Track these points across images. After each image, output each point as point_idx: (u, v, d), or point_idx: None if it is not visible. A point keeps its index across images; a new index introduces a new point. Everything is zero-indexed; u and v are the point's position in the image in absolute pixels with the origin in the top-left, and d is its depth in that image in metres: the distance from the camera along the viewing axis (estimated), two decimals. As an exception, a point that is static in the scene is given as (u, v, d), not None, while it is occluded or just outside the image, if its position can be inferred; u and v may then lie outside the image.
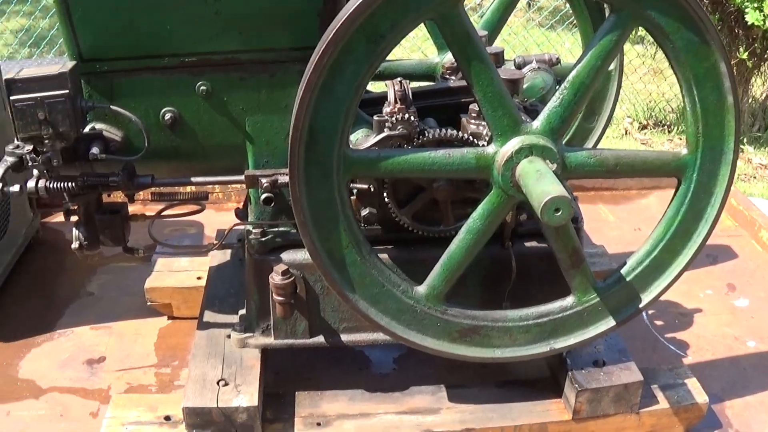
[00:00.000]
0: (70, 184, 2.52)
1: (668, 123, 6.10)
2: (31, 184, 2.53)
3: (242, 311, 2.88)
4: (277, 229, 2.66)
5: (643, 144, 5.84)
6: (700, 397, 2.81)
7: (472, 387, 2.84)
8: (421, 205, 2.55)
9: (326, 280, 2.40)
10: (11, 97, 2.33)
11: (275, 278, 2.57)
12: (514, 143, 2.28)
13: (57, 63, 2.65)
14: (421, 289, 2.47)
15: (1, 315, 3.53)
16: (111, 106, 2.45)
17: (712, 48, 2.25)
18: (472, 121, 2.53)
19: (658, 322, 3.52)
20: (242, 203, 3.06)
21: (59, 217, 4.22)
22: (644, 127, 6.11)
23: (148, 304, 3.45)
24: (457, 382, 2.86)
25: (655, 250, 2.54)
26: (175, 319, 3.48)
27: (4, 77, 2.35)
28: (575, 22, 7.24)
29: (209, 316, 2.95)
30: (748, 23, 5.48)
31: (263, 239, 2.64)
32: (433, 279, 2.46)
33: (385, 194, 2.50)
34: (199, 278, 3.42)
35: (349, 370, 3.04)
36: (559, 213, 2.09)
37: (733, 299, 3.75)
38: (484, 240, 2.42)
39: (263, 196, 2.52)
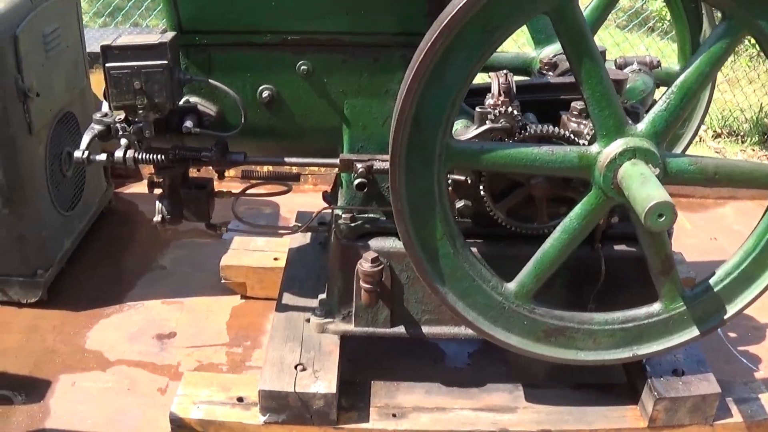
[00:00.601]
0: (159, 156, 2.51)
1: (742, 133, 6.00)
2: (119, 153, 2.53)
3: (322, 295, 2.87)
4: (366, 215, 2.63)
5: (717, 152, 5.75)
6: (774, 412, 2.76)
7: (548, 388, 2.80)
8: (516, 200, 2.51)
9: (417, 270, 2.37)
10: (107, 65, 2.30)
11: (364, 265, 2.54)
12: (618, 144, 2.23)
13: (153, 33, 2.65)
14: (511, 286, 2.43)
15: (72, 284, 3.53)
16: (209, 80, 2.42)
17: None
18: (573, 119, 2.49)
19: (732, 335, 3.45)
20: (330, 187, 3.03)
21: (133, 188, 4.33)
22: (718, 136, 6.01)
23: (222, 281, 3.43)
24: (532, 382, 2.83)
25: (744, 262, 2.50)
26: (248, 299, 3.46)
27: (101, 44, 2.31)
28: (652, 26, 7.18)
29: (288, 299, 2.92)
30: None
31: (352, 224, 2.61)
32: (524, 277, 2.42)
33: (481, 187, 2.46)
34: (275, 259, 3.40)
35: (424, 362, 3.01)
36: (663, 219, 2.05)
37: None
38: (579, 240, 2.38)
39: (356, 181, 2.49)
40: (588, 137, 2.40)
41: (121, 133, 2.49)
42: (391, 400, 2.71)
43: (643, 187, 2.13)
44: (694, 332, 2.54)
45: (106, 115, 2.64)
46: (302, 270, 3.09)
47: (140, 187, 4.34)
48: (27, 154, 3.22)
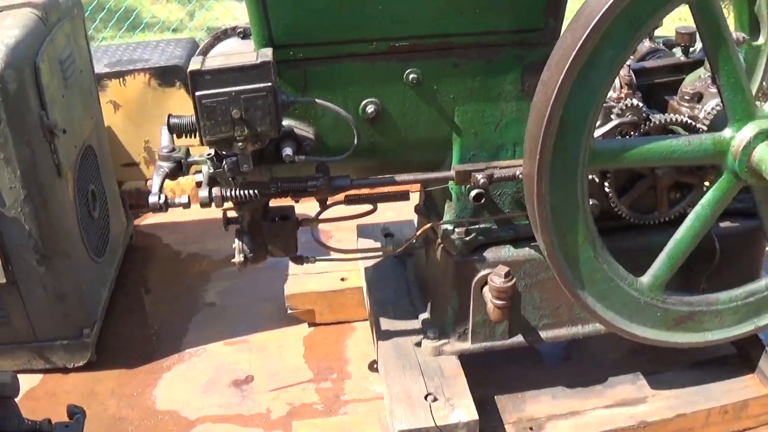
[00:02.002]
0: (254, 191, 2.30)
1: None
2: (203, 193, 2.30)
3: (424, 315, 2.74)
4: (478, 226, 2.52)
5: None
6: None
7: (667, 372, 2.77)
8: (639, 193, 2.45)
9: (559, 278, 2.27)
10: (197, 93, 2.01)
11: (496, 281, 2.43)
12: (751, 128, 2.19)
13: (244, 48, 2.39)
14: (645, 279, 2.37)
15: (118, 339, 3.25)
16: (316, 100, 2.20)
17: None
18: (686, 104, 2.44)
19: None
20: (420, 199, 2.86)
21: (149, 218, 4.03)
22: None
23: (289, 312, 3.20)
24: (649, 367, 2.79)
25: None
26: (317, 326, 3.25)
27: (189, 68, 2.03)
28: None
29: (387, 324, 2.77)
30: None
31: (467, 238, 2.49)
32: (658, 268, 2.36)
33: (606, 184, 2.39)
34: (342, 280, 3.22)
35: (527, 366, 2.90)
36: None
37: None
38: (710, 226, 2.34)
39: (474, 192, 2.37)
40: (706, 122, 2.36)
41: (212, 171, 2.27)
42: (522, 413, 2.62)
43: None
44: (808, 297, 2.55)
45: (173, 150, 2.43)
46: (389, 291, 2.94)
47: (158, 217, 4.04)
48: (58, 201, 2.89)
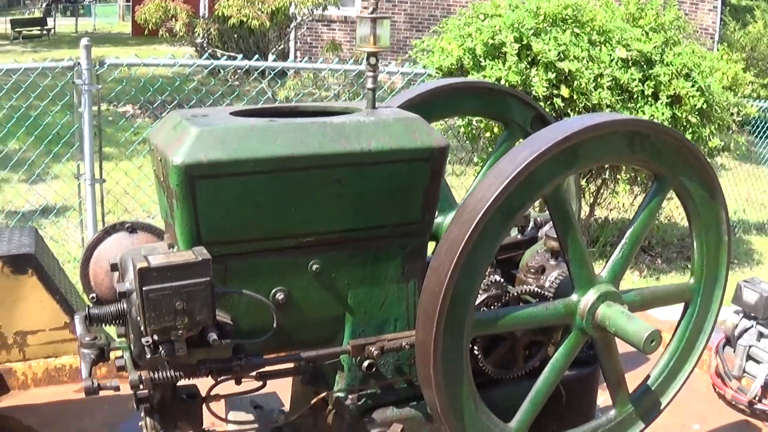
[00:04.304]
0: (181, 373, 2.51)
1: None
2: (133, 376, 2.48)
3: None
4: (366, 392, 2.86)
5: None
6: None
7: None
8: (502, 352, 2.91)
9: (448, 429, 2.64)
10: (145, 288, 2.24)
11: (383, 443, 2.76)
12: (593, 292, 2.73)
13: (156, 248, 2.62)
14: (513, 425, 2.78)
15: None
16: (243, 291, 2.50)
17: (718, 201, 2.91)
18: (531, 276, 2.97)
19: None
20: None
21: (4, 401, 3.99)
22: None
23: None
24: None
25: (671, 361, 3.10)
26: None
27: (137, 266, 2.24)
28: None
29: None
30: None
31: (359, 403, 2.82)
32: (522, 415, 2.79)
33: (475, 347, 2.83)
34: (220, 453, 3.38)
35: None
36: (653, 343, 2.60)
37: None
38: (562, 375, 2.83)
39: (366, 362, 2.73)
40: (551, 290, 2.90)
41: (150, 356, 2.42)
42: None
43: (631, 323, 2.65)
44: (640, 426, 3.06)
45: (96, 338, 2.61)
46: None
47: (11, 400, 4.11)
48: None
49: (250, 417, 3.34)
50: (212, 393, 2.80)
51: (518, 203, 2.50)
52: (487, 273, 2.82)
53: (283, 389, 3.31)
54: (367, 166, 2.60)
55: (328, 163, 2.55)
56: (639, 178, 7.13)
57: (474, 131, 7.11)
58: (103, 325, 2.65)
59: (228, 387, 2.77)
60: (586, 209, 7.48)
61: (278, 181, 2.50)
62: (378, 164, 2.61)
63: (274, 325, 2.54)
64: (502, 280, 2.83)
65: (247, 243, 2.58)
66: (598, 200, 7.93)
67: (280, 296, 2.65)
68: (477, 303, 2.75)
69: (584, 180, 7.13)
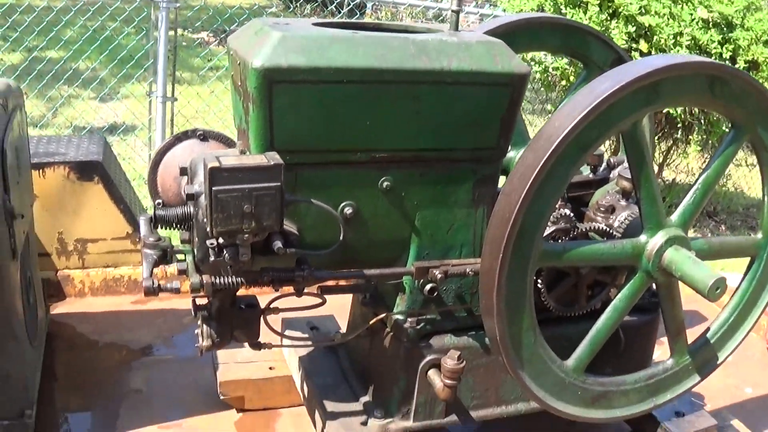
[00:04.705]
0: (243, 279, 2.51)
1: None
2: (195, 279, 2.49)
3: (365, 398, 3.01)
4: (426, 317, 2.85)
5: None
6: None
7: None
8: (565, 289, 2.87)
9: (505, 359, 2.62)
10: (214, 188, 2.22)
11: (449, 363, 2.74)
12: (662, 234, 2.68)
13: (227, 153, 2.60)
14: (570, 362, 2.77)
15: (53, 423, 3.30)
16: (313, 201, 2.48)
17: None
18: (600, 215, 2.92)
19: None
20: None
21: (58, 308, 4.08)
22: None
23: (221, 398, 3.39)
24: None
25: (732, 316, 3.04)
26: (245, 411, 3.44)
27: (209, 165, 2.21)
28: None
29: (332, 407, 3.00)
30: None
31: (418, 327, 2.82)
32: (581, 353, 2.78)
33: (539, 281, 2.80)
34: (271, 368, 3.45)
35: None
36: (718, 290, 2.54)
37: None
38: (624, 317, 2.79)
39: (428, 286, 2.72)
40: (620, 230, 2.85)
41: (213, 259, 2.41)
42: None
43: (697, 268, 2.59)
44: (696, 378, 3.03)
45: (159, 239, 2.62)
46: (329, 378, 3.16)
47: (68, 307, 4.17)
48: (11, 284, 2.98)
49: (306, 336, 3.38)
50: (271, 306, 2.83)
51: (594, 135, 2.45)
52: (557, 206, 2.78)
53: (340, 313, 3.32)
54: (446, 86, 2.55)
55: (408, 79, 2.50)
56: (711, 141, 6.99)
57: (550, 78, 7.00)
58: (168, 229, 2.65)
59: (287, 302, 2.79)
60: (654, 168, 7.36)
61: (356, 92, 2.47)
62: (457, 84, 2.56)
63: (341, 238, 2.53)
64: (572, 214, 2.78)
65: (319, 153, 2.56)
66: (667, 161, 7.79)
67: (348, 210, 2.63)
68: (545, 234, 2.71)
69: (656, 138, 7.01)
